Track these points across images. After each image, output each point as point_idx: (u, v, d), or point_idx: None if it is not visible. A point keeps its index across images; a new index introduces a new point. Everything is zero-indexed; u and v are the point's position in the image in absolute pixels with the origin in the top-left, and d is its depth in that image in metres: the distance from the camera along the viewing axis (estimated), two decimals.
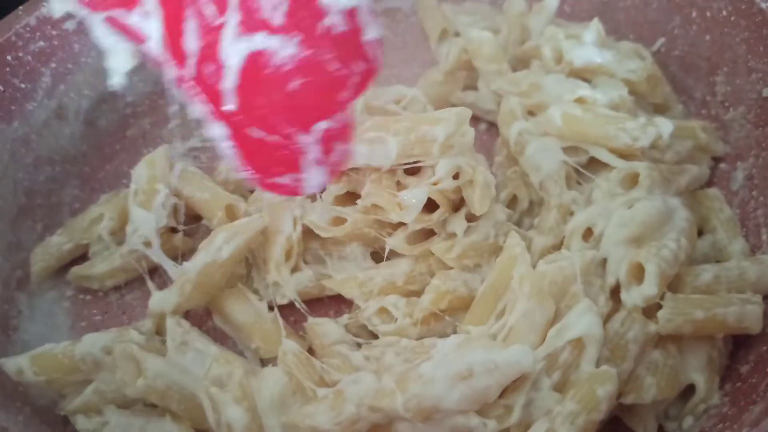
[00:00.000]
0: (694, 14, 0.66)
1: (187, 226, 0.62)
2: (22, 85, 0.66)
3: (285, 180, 0.47)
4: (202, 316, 0.58)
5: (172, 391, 0.48)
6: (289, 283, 0.56)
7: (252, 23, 0.43)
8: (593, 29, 0.65)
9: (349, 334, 0.54)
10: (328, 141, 0.47)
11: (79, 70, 0.71)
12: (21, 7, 0.67)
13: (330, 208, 0.56)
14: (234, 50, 0.43)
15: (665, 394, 0.47)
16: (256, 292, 0.58)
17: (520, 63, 0.70)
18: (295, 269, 0.57)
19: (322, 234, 0.55)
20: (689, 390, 0.49)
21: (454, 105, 0.71)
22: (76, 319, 0.60)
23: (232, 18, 0.43)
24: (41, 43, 0.67)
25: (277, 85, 0.45)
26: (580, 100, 0.60)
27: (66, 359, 0.50)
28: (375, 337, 0.54)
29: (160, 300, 0.54)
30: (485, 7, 0.79)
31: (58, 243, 0.61)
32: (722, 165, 0.62)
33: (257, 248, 0.58)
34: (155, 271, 0.60)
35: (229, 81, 0.43)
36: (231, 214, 0.58)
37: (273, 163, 0.46)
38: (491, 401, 0.43)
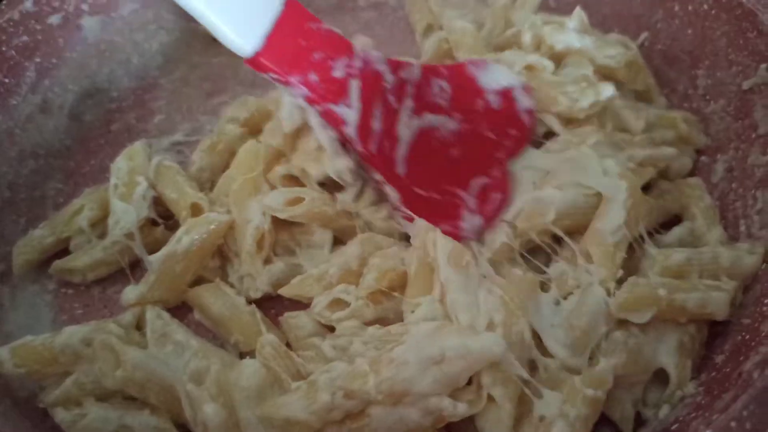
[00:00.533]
0: (676, 8, 0.66)
1: (170, 220, 0.62)
2: (6, 80, 0.66)
3: (446, 227, 0.53)
4: (184, 310, 0.58)
5: (151, 384, 0.48)
6: (262, 276, 0.56)
7: (422, 107, 0.56)
8: (576, 17, 0.66)
9: (324, 327, 0.54)
10: (485, 192, 0.56)
11: (64, 65, 0.72)
12: (4, 2, 0.67)
13: (286, 190, 0.56)
14: (407, 127, 0.55)
15: (627, 369, 0.47)
16: (231, 286, 0.58)
17: (503, 51, 0.70)
18: (267, 261, 0.57)
19: (280, 215, 0.56)
20: (667, 379, 0.49)
21: None
22: (59, 312, 0.60)
23: (408, 102, 0.56)
24: (25, 38, 0.68)
25: (441, 153, 0.56)
26: (528, 68, 0.61)
27: (46, 351, 0.50)
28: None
29: (128, 292, 0.55)
30: (471, 2, 0.79)
31: (40, 236, 0.61)
32: (703, 157, 0.63)
33: (229, 242, 0.58)
34: (137, 264, 0.60)
35: (401, 151, 0.55)
36: (196, 213, 0.58)
37: (435, 214, 0.54)
38: (461, 386, 0.44)
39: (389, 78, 0.56)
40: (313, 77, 0.52)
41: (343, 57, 0.54)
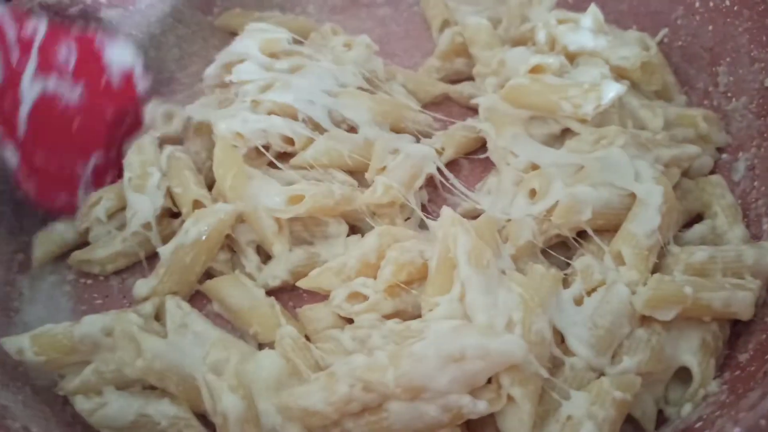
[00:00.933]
0: (697, 4, 0.66)
1: None
2: None
3: (61, 198, 0.58)
4: (203, 301, 0.58)
5: (171, 373, 0.48)
6: (281, 263, 0.56)
7: (47, 67, 0.54)
8: (591, 15, 0.66)
9: (342, 320, 0.54)
10: (102, 170, 0.61)
11: None
12: None
13: (285, 189, 0.56)
14: (30, 87, 0.55)
15: (650, 367, 0.47)
16: (250, 277, 0.58)
17: (517, 45, 0.70)
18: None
19: (283, 216, 0.55)
20: (691, 378, 0.49)
21: (451, 99, 0.72)
22: (77, 302, 0.60)
23: (32, 60, 0.54)
24: None
25: (62, 122, 0.57)
26: (537, 69, 0.61)
27: (65, 339, 0.50)
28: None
29: (140, 286, 0.56)
30: None
31: (61, 230, 0.61)
32: (724, 156, 0.62)
33: (239, 235, 0.58)
34: (156, 256, 0.60)
35: (23, 111, 0.54)
36: (198, 209, 0.58)
37: (54, 184, 0.57)
38: (479, 386, 0.43)
39: (11, 30, 0.54)
40: None
41: None
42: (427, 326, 0.46)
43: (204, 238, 0.55)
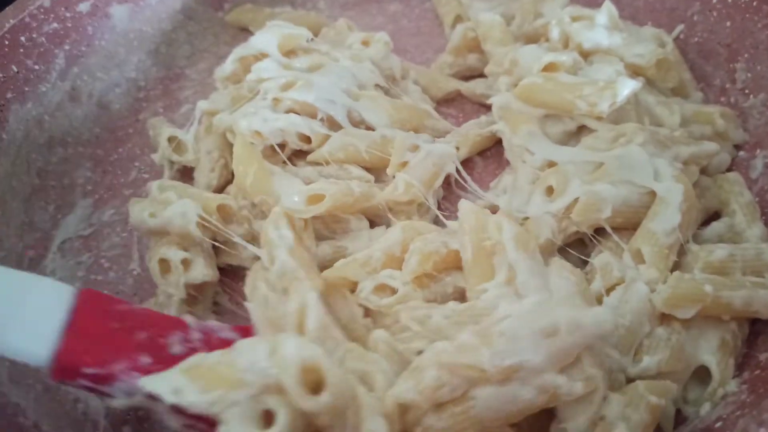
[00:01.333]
0: (714, 0, 0.65)
1: None
2: (36, 67, 0.66)
3: None
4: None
5: (348, 409, 0.40)
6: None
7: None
8: (605, 11, 0.65)
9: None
10: None
11: (93, 53, 0.71)
12: None
13: (305, 188, 0.55)
14: None
15: (670, 366, 0.46)
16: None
17: (531, 41, 0.69)
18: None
19: (303, 216, 0.54)
20: (709, 377, 0.48)
21: (464, 96, 0.72)
22: None
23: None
24: (55, 25, 0.68)
25: None
26: (550, 67, 0.60)
27: (227, 369, 0.39)
28: None
29: (317, 317, 0.46)
30: None
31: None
32: (741, 153, 0.61)
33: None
34: None
35: None
36: (226, 213, 0.57)
37: None
38: (570, 361, 0.41)
39: (197, 335, 0.48)
40: (145, 360, 0.44)
41: (175, 332, 0.47)
42: (495, 305, 0.44)
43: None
